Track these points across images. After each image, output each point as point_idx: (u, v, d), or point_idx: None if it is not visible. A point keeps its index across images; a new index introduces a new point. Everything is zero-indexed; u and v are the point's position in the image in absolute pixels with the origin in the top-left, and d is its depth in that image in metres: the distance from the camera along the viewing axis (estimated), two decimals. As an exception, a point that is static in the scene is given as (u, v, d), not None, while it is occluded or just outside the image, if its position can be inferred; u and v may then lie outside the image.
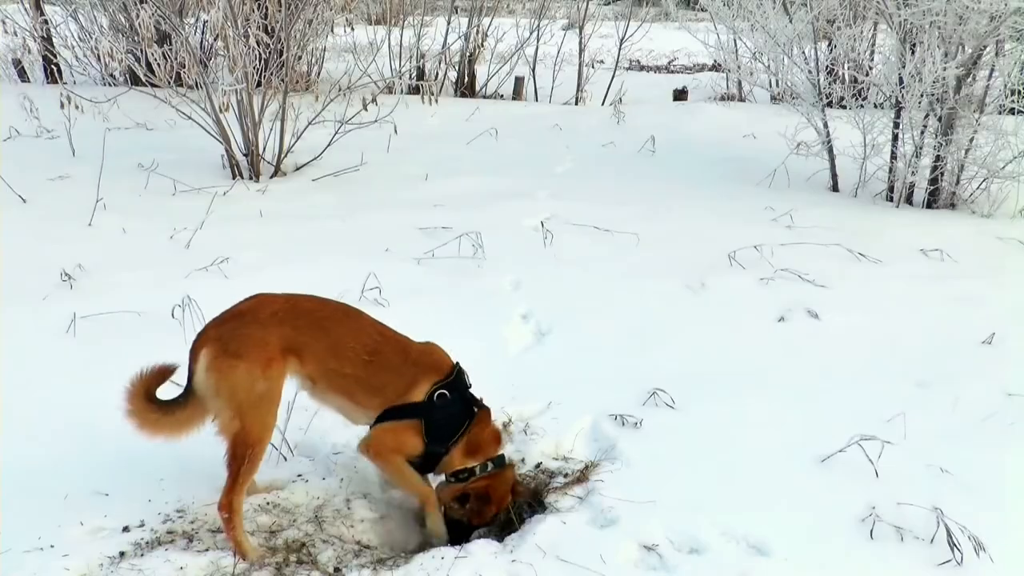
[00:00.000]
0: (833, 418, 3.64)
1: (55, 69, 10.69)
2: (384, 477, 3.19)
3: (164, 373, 2.88)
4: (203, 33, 8.99)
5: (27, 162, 7.26)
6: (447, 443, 2.99)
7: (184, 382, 2.88)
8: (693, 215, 6.65)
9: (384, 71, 10.54)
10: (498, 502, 3.03)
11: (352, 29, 9.70)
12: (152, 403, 2.84)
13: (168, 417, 2.84)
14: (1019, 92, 6.90)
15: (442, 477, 3.12)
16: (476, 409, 3.05)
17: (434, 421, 2.95)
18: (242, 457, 2.76)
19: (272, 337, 2.81)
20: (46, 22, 10.41)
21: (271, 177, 7.49)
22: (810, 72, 7.81)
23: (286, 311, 2.91)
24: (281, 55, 7.41)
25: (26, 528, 2.84)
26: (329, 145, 7.67)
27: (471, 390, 3.08)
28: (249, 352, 2.77)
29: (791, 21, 8.04)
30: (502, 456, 3.07)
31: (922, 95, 6.82)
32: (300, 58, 9.15)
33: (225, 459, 2.79)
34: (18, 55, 10.68)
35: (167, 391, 2.91)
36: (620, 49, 12.55)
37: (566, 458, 3.47)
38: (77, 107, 7.23)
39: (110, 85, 10.04)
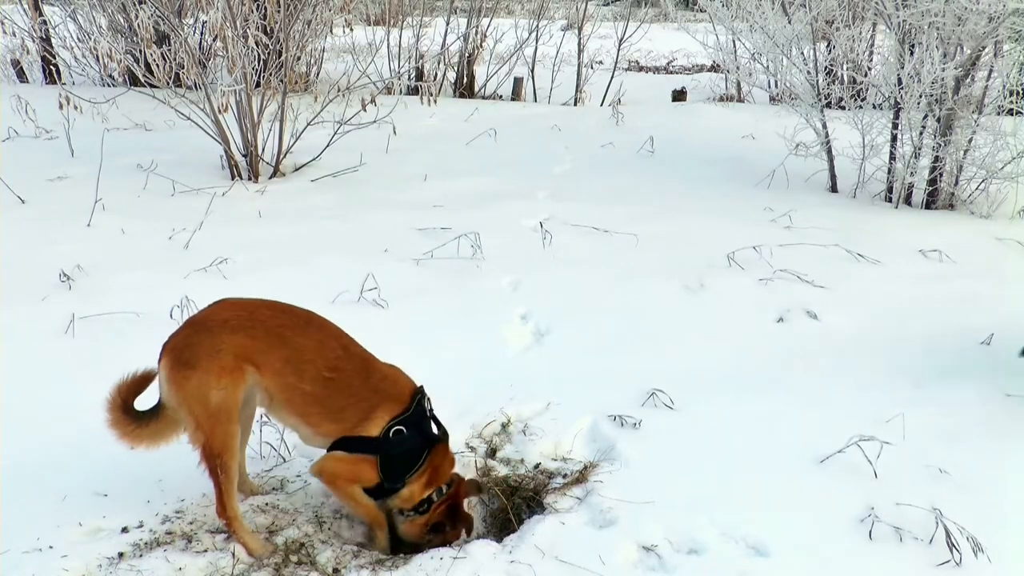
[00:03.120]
0: (832, 418, 3.64)
1: (54, 70, 10.70)
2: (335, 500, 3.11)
3: (143, 381, 2.85)
4: (202, 34, 8.97)
5: (26, 163, 7.26)
6: (403, 478, 2.91)
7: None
8: (692, 216, 6.65)
9: (383, 72, 10.55)
10: (465, 518, 3.02)
11: (351, 30, 9.70)
12: (129, 414, 2.83)
13: (144, 428, 2.83)
14: (1018, 93, 6.91)
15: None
16: (437, 437, 2.96)
17: (390, 458, 2.86)
18: (214, 471, 2.74)
19: (224, 345, 2.71)
20: (45, 22, 10.40)
21: (270, 178, 7.49)
22: (809, 73, 7.81)
23: (241, 319, 2.80)
24: (280, 56, 7.41)
25: (25, 529, 2.84)
26: (328, 146, 7.67)
27: (433, 413, 2.99)
28: (200, 361, 2.69)
29: (790, 22, 8.05)
30: (454, 476, 3.02)
31: (921, 96, 6.82)
32: (299, 59, 9.15)
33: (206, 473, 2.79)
34: (17, 56, 10.68)
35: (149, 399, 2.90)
36: (619, 50, 12.54)
37: (565, 459, 3.47)
38: (76, 108, 7.21)
39: (109, 86, 10.06)
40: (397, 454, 2.86)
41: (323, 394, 2.82)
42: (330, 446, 2.89)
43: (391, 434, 2.84)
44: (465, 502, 3.07)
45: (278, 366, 2.78)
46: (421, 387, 2.97)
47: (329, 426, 2.88)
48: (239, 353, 2.73)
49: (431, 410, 2.98)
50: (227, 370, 2.71)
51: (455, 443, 3.32)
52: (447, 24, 11.82)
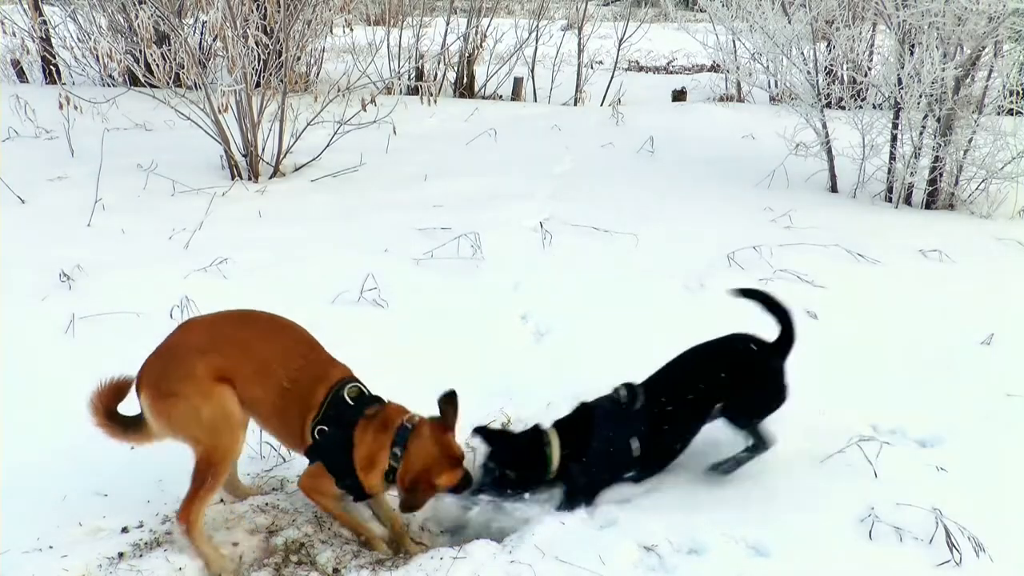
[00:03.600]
0: (832, 418, 3.64)
1: (54, 70, 10.69)
2: None
3: (120, 389, 2.85)
4: (202, 34, 8.97)
5: (26, 163, 7.26)
6: (350, 473, 2.84)
7: None
8: (692, 216, 6.65)
9: (383, 72, 10.55)
10: (429, 458, 2.82)
11: (351, 30, 9.70)
12: (115, 419, 2.84)
13: (133, 429, 2.85)
14: (1018, 93, 6.91)
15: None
16: (351, 416, 2.85)
17: (327, 460, 2.83)
18: (203, 477, 2.74)
19: (199, 368, 2.73)
20: (45, 22, 10.38)
21: (270, 178, 7.49)
22: (809, 73, 7.81)
23: (207, 340, 2.82)
24: (280, 56, 7.41)
25: (25, 529, 2.84)
26: (328, 146, 7.67)
27: (366, 396, 2.88)
28: (180, 388, 2.72)
29: (790, 22, 8.05)
30: (407, 421, 2.88)
31: (921, 96, 6.82)
32: (299, 59, 9.14)
33: (191, 473, 2.78)
34: (17, 56, 10.67)
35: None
36: (619, 50, 12.54)
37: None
38: (76, 108, 7.22)
39: (109, 86, 10.05)
40: (330, 452, 2.81)
41: (281, 405, 2.83)
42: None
43: (316, 435, 2.81)
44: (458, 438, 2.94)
45: (248, 379, 2.79)
46: (342, 379, 2.86)
47: (288, 440, 2.92)
48: (213, 373, 2.74)
49: (360, 394, 2.87)
50: (210, 388, 2.73)
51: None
52: (447, 24, 11.81)
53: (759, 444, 3.28)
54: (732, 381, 3.23)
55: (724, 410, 3.24)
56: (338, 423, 2.81)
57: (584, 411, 3.26)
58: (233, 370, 2.78)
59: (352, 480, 2.85)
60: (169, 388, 2.73)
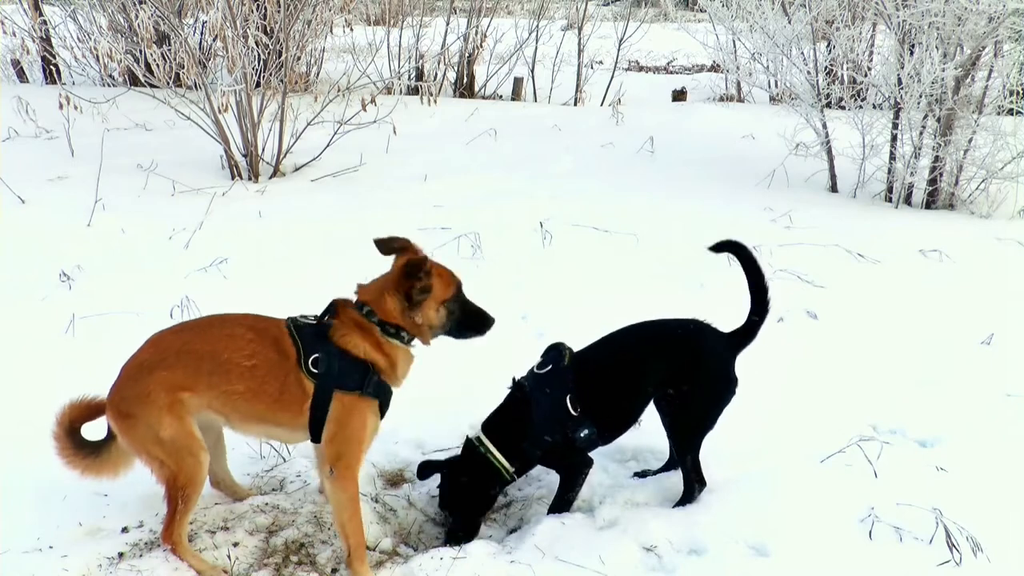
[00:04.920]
0: (832, 418, 3.64)
1: (54, 70, 10.69)
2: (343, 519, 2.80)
3: (91, 409, 2.81)
4: (202, 34, 8.97)
5: (26, 163, 7.26)
6: (365, 365, 2.74)
7: None
8: (692, 215, 6.65)
9: (383, 72, 10.56)
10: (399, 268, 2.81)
11: (351, 30, 9.71)
12: (74, 439, 2.79)
13: (90, 458, 2.80)
14: (1018, 93, 6.91)
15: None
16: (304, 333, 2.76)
17: (342, 373, 2.71)
18: (174, 502, 2.70)
19: (151, 387, 2.65)
20: (45, 22, 10.38)
21: (270, 178, 7.49)
22: (809, 73, 7.81)
23: (154, 355, 2.72)
24: (280, 56, 7.41)
25: (25, 529, 2.84)
26: (328, 146, 7.67)
27: (322, 323, 2.80)
28: (136, 408, 2.67)
29: (790, 22, 8.05)
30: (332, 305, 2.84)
31: (921, 96, 6.83)
32: (299, 59, 9.14)
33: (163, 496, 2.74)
34: (17, 56, 10.67)
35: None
36: (619, 50, 12.54)
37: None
38: (76, 108, 7.23)
39: (109, 86, 10.06)
40: (335, 361, 2.71)
41: (256, 385, 2.71)
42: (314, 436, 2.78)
43: (313, 368, 2.70)
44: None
45: (205, 380, 2.70)
46: (289, 319, 2.82)
47: (283, 415, 2.76)
48: (167, 387, 2.67)
49: (314, 317, 2.84)
50: (165, 407, 2.65)
51: (455, 441, 3.32)
52: (447, 24, 11.82)
53: (672, 462, 3.28)
54: (668, 364, 3.14)
55: (661, 396, 3.13)
56: (321, 341, 2.73)
57: (512, 392, 3.19)
58: (186, 379, 2.68)
59: (367, 371, 2.72)
60: (128, 409, 2.68)
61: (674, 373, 3.12)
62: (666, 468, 3.35)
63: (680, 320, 3.32)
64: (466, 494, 3.07)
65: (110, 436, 2.80)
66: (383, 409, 2.82)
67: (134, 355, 2.79)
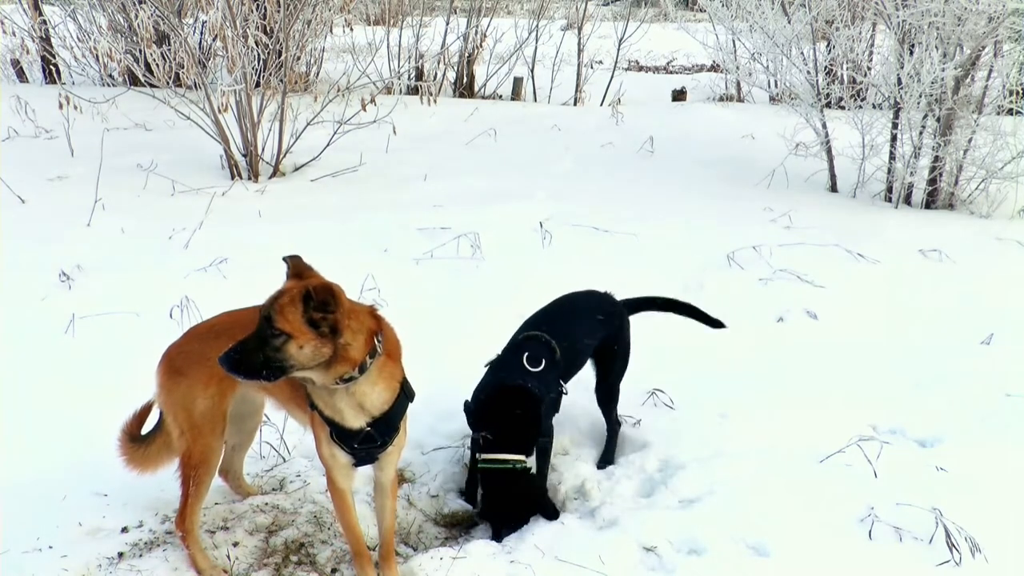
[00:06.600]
0: (832, 418, 3.64)
1: (54, 70, 10.69)
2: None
3: (144, 413, 2.88)
4: (202, 33, 8.96)
5: (26, 163, 7.26)
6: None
7: None
8: (692, 216, 6.64)
9: (383, 71, 10.55)
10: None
11: (351, 29, 9.70)
12: (135, 441, 2.85)
13: (143, 450, 2.85)
14: (1018, 93, 6.91)
15: None
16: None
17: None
18: (187, 479, 2.72)
19: (212, 354, 2.53)
20: (44, 22, 10.38)
21: (270, 177, 7.49)
22: (809, 73, 7.81)
23: (228, 327, 2.69)
24: (280, 55, 7.41)
25: (25, 529, 2.84)
26: (328, 145, 7.67)
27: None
28: (190, 369, 2.69)
29: (789, 22, 8.04)
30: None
31: (920, 96, 6.82)
32: (299, 58, 9.13)
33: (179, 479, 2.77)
34: (17, 56, 10.67)
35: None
36: (619, 49, 12.54)
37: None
38: (76, 107, 7.22)
39: (109, 85, 10.05)
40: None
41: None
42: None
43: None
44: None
45: None
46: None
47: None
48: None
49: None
50: (215, 378, 2.67)
51: (456, 441, 3.31)
52: (447, 24, 11.81)
53: (613, 423, 3.57)
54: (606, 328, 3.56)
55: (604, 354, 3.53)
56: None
57: (514, 396, 3.23)
58: None
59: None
60: (182, 366, 2.71)
61: (612, 335, 3.57)
62: (609, 440, 3.58)
63: (602, 292, 3.73)
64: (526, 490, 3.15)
65: (156, 429, 2.84)
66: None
67: (207, 320, 2.85)
